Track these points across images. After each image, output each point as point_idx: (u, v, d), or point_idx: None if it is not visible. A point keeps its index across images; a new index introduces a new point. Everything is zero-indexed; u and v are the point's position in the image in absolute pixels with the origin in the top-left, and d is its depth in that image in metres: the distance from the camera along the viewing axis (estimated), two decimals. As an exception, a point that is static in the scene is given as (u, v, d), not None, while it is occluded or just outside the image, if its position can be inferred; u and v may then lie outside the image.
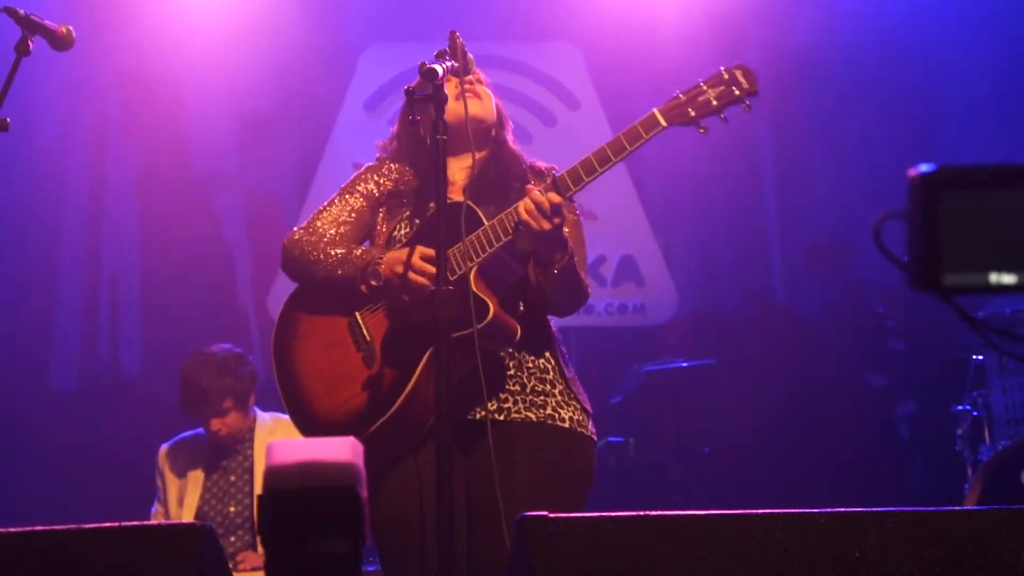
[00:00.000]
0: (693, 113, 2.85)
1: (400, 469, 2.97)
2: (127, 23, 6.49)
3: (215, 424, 4.65)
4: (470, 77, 3.06)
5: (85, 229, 6.67)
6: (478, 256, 2.87)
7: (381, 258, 2.95)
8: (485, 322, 2.81)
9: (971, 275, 1.44)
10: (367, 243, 3.15)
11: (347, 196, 3.16)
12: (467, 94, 3.01)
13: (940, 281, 1.43)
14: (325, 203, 3.19)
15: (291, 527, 1.79)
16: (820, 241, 6.87)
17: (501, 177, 3.07)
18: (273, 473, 1.82)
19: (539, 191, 2.79)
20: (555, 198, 2.78)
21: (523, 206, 2.79)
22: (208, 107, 6.66)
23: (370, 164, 3.25)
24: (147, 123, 6.64)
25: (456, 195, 3.04)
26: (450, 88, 2.94)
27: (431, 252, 2.86)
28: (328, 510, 1.80)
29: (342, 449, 1.87)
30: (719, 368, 6.38)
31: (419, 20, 6.57)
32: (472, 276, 2.86)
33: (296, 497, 1.80)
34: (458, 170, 3.11)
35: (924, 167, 1.45)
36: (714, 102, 2.85)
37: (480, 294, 2.85)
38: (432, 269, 2.83)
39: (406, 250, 2.93)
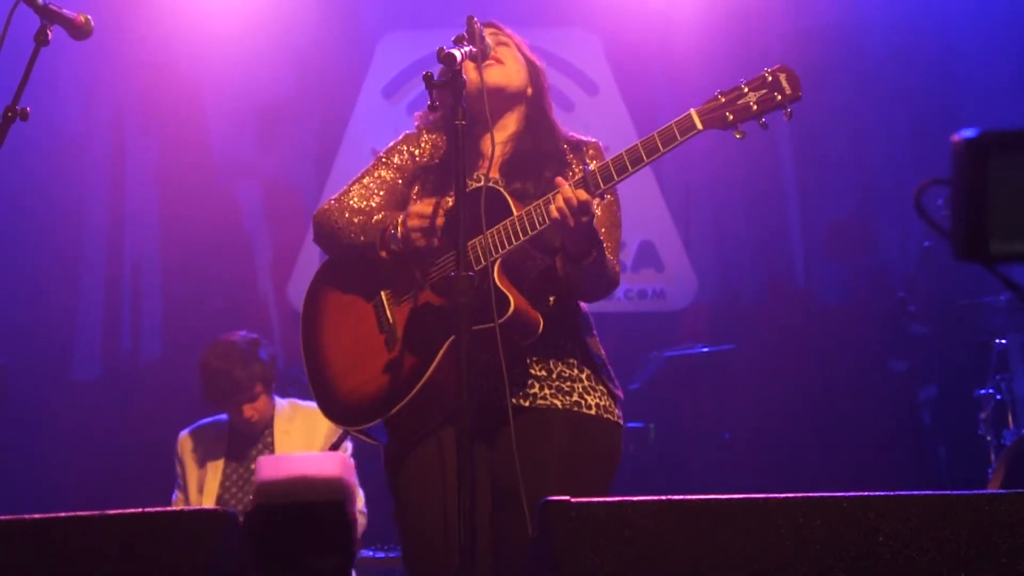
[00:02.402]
0: (731, 117, 2.74)
1: (423, 452, 2.95)
2: (145, 13, 6.50)
3: (248, 411, 4.62)
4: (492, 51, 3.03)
5: (106, 219, 6.70)
6: (503, 248, 2.83)
7: (398, 220, 2.91)
8: (504, 318, 2.78)
9: (1018, 243, 1.38)
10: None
11: (380, 168, 3.12)
12: (487, 62, 2.98)
13: (986, 249, 1.39)
14: (358, 174, 3.16)
15: (281, 541, 1.80)
16: (840, 225, 6.84)
17: (534, 152, 3.04)
18: (263, 489, 1.84)
19: (570, 187, 2.74)
20: (583, 195, 2.72)
21: (554, 205, 2.74)
22: (227, 96, 6.67)
23: (407, 133, 3.20)
24: (166, 113, 6.66)
25: (493, 170, 3.01)
26: (472, 64, 2.92)
27: (437, 201, 2.84)
28: (318, 525, 1.81)
29: (331, 464, 1.88)
30: (739, 353, 6.36)
31: (436, 6, 6.56)
32: (496, 269, 2.83)
33: (286, 512, 1.81)
34: (496, 143, 3.06)
35: (968, 132, 1.40)
36: (754, 106, 2.73)
37: (502, 288, 2.81)
38: (429, 210, 2.83)
39: (419, 205, 2.89)
